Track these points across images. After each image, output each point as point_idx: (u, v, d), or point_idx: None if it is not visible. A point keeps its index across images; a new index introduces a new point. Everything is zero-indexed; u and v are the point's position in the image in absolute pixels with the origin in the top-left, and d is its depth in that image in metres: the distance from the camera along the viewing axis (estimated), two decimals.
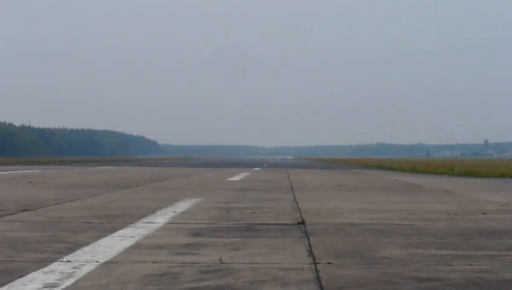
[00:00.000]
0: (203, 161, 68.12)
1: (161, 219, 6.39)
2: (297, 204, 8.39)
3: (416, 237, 5.23)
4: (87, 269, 3.71)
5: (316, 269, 3.79)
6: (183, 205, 7.99)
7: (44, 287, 3.26)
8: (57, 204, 8.03)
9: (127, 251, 4.35)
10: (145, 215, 6.63)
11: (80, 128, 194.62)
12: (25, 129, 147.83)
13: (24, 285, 3.29)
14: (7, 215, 6.63)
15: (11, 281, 3.37)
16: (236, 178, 17.68)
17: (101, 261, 3.95)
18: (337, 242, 4.92)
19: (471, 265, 3.97)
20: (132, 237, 5.05)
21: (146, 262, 3.95)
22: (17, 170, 23.95)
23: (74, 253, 4.24)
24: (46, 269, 3.70)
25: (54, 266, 3.79)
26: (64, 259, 4.00)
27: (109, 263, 3.89)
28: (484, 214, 7.29)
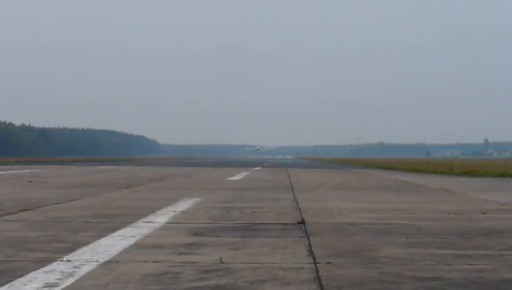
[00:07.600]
0: (203, 160, 68.11)
1: (161, 218, 6.39)
2: (298, 204, 8.39)
3: (416, 237, 5.23)
4: (87, 268, 3.71)
5: (316, 268, 3.79)
6: (183, 205, 7.99)
7: (44, 286, 3.26)
8: (56, 203, 8.03)
9: (127, 251, 4.36)
10: (145, 215, 6.63)
11: (79, 128, 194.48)
12: (25, 129, 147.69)
13: (24, 285, 3.29)
14: (7, 214, 6.63)
15: (11, 280, 3.37)
16: (236, 177, 17.67)
17: (101, 260, 3.95)
18: (337, 242, 4.92)
19: (471, 265, 3.97)
20: (132, 236, 5.05)
21: (146, 262, 3.95)
22: (17, 170, 23.95)
23: (74, 253, 4.24)
24: (46, 268, 3.70)
25: (54, 265, 3.80)
26: (64, 259, 4.00)
27: (109, 263, 3.89)
28: (484, 213, 7.29)
